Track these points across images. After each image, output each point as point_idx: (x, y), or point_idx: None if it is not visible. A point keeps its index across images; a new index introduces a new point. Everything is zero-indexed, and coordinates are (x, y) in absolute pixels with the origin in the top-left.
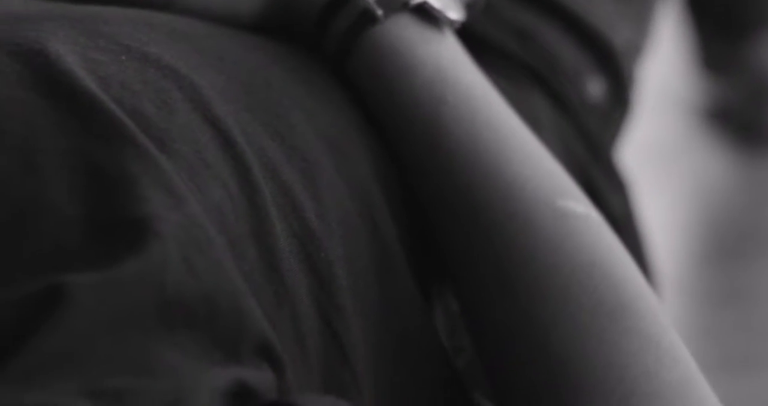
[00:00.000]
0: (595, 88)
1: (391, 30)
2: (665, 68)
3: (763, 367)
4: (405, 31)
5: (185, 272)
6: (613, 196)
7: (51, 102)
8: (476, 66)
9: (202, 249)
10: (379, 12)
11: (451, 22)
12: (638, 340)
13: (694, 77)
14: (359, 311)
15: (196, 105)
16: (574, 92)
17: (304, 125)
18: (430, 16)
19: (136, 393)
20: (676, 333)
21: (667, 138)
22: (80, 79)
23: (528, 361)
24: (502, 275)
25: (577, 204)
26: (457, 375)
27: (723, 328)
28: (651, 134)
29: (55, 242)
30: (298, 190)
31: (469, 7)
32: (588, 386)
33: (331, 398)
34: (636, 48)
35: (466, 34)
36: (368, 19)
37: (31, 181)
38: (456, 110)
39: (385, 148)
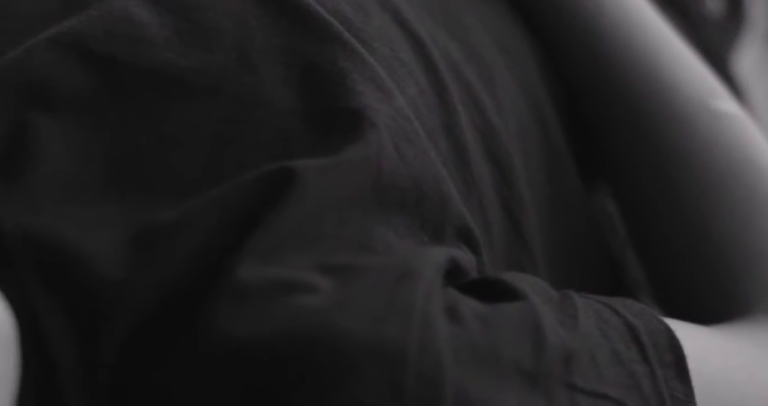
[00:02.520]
0: (713, 2)
1: None
2: None
3: None
4: None
5: (397, 160)
6: None
7: (262, 5)
8: None
9: (410, 139)
10: None
11: None
12: None
13: None
14: (534, 202)
15: (386, 8)
16: (694, 7)
17: (478, 29)
18: None
19: (365, 268)
20: None
21: None
22: None
23: (689, 253)
24: (662, 174)
25: (727, 104)
26: (618, 268)
27: None
28: None
29: (279, 131)
30: (479, 88)
31: None
32: (747, 273)
33: (531, 276)
34: None
35: None
36: None
37: (250, 78)
38: (613, 17)
39: (547, 55)
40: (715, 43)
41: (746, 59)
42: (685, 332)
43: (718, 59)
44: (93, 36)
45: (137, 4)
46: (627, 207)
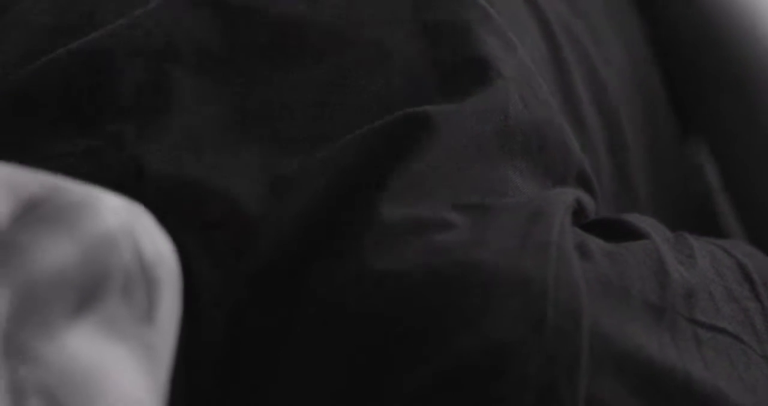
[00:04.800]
0: None
1: None
2: None
3: None
4: None
5: (522, 108)
6: None
7: None
8: None
9: (532, 89)
10: None
11: None
12: None
13: None
14: (638, 153)
15: None
16: None
17: None
18: None
19: (498, 207)
20: None
21: None
22: None
23: None
24: (757, 125)
25: None
26: (708, 207)
27: None
28: None
29: (409, 79)
30: (587, 42)
31: None
32: None
33: (649, 218)
34: None
35: None
36: None
37: (379, 30)
38: None
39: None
40: None
41: None
42: None
43: None
44: None
45: None
46: (724, 156)
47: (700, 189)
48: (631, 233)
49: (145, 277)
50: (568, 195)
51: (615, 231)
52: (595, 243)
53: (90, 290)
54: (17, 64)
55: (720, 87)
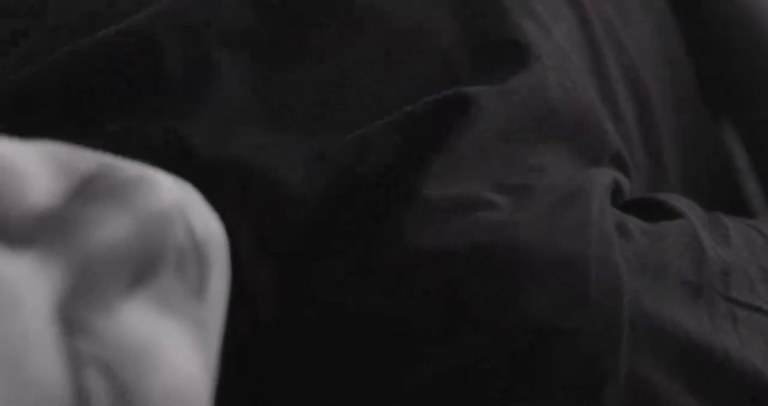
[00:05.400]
0: None
1: None
2: None
3: None
4: None
5: (559, 91)
6: None
7: None
8: None
9: (568, 71)
10: None
11: None
12: None
13: None
14: (670, 136)
15: None
16: None
17: None
18: None
19: (538, 187)
20: None
21: None
22: None
23: None
24: None
25: None
26: (735, 188)
27: None
28: None
29: (447, 60)
30: (618, 25)
31: None
32: None
33: (684, 198)
34: None
35: None
36: None
37: (417, 14)
38: None
39: None
40: None
41: None
42: None
43: None
44: None
45: None
46: (752, 139)
47: (727, 170)
48: (667, 213)
49: (197, 254)
50: (606, 176)
51: (651, 211)
52: (633, 222)
53: (145, 265)
54: (78, 31)
55: (753, 72)
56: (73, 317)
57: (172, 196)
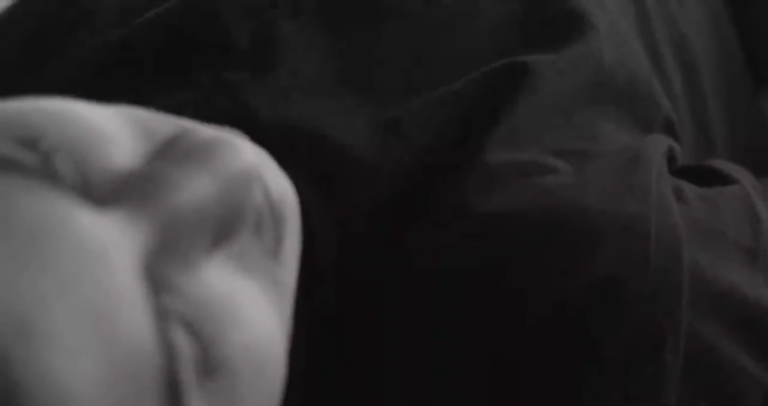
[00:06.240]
0: None
1: None
2: None
3: None
4: None
5: (614, 59)
6: None
7: None
8: None
9: (623, 41)
10: None
11: None
12: None
13: None
14: (713, 97)
15: None
16: None
17: None
18: None
19: (596, 153)
20: None
21: None
22: None
23: None
24: None
25: None
26: None
27: None
28: None
29: (507, 29)
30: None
31: None
32: None
33: (736, 165)
34: None
35: None
36: None
37: None
38: None
39: None
40: None
41: None
42: None
43: None
44: None
45: None
46: None
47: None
48: (721, 179)
49: (273, 215)
50: (662, 142)
51: (705, 177)
52: (689, 188)
53: (226, 225)
54: (125, 16)
55: None
56: (158, 274)
57: (251, 158)
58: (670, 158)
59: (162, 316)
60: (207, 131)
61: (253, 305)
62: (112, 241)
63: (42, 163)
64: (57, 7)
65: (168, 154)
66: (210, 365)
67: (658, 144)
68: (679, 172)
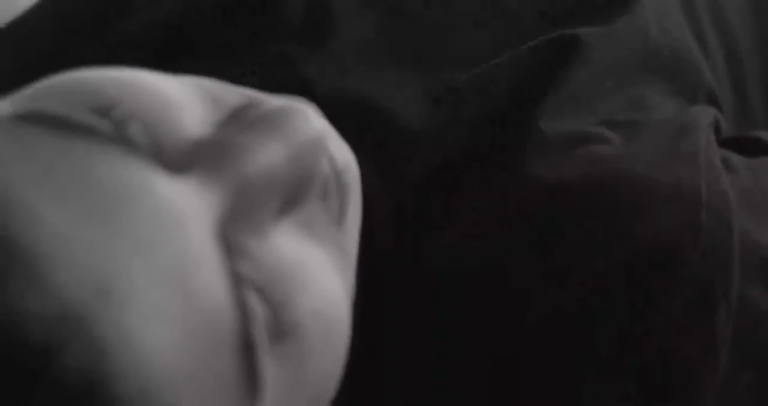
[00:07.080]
0: None
1: None
2: None
3: None
4: None
5: (660, 31)
6: None
7: None
8: None
9: (667, 14)
10: None
11: None
12: None
13: None
14: (751, 67)
15: None
16: None
17: None
18: None
19: (646, 123)
20: None
21: None
22: None
23: None
24: None
25: None
26: None
27: None
28: None
29: (558, 4)
30: None
31: None
32: None
33: None
34: None
35: None
36: None
37: None
38: None
39: None
40: None
41: None
42: None
43: None
44: None
45: None
46: None
47: None
48: (765, 149)
49: (338, 182)
50: (708, 113)
51: (748, 148)
52: (735, 158)
53: (295, 191)
54: None
55: None
56: (232, 239)
57: (319, 126)
58: (716, 129)
59: (236, 280)
60: (275, 100)
61: (321, 270)
62: (189, 206)
63: (116, 130)
64: None
65: (239, 121)
66: (281, 329)
67: (705, 114)
68: (724, 143)
